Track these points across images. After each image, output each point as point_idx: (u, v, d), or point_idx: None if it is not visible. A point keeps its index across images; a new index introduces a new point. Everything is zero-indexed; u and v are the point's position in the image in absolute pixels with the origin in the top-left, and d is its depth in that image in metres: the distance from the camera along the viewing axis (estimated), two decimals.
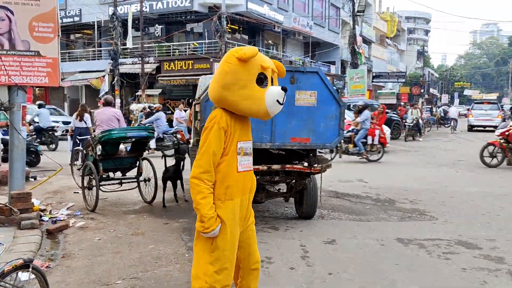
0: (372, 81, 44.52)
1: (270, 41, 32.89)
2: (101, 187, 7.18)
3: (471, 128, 27.62)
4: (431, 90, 63.95)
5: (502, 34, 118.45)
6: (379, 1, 59.74)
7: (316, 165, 5.89)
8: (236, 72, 2.86)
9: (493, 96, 68.08)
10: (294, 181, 6.25)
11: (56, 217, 6.57)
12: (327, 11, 37.09)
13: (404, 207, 7.27)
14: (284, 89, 2.89)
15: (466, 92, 72.82)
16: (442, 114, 34.07)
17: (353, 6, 25.10)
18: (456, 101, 60.90)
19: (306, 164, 5.97)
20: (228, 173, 2.89)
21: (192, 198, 2.86)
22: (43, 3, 6.24)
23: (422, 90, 49.52)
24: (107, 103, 7.98)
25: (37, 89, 31.63)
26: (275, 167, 5.82)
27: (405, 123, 21.97)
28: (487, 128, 25.76)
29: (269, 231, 5.82)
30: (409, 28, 79.53)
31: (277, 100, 2.87)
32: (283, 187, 7.11)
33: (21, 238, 5.50)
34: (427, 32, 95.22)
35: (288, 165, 5.88)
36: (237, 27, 28.91)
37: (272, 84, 2.94)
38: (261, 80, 2.89)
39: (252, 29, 30.30)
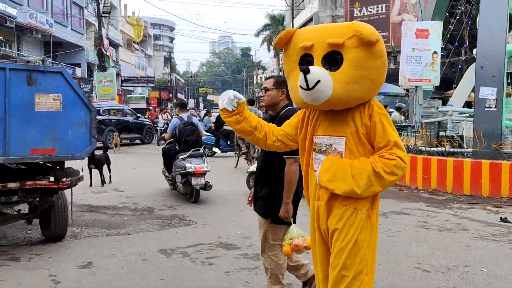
0: (121, 85, 43.75)
1: (1, 38, 28.66)
2: None
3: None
4: (179, 95, 66.98)
5: (236, 45, 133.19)
6: (125, 5, 59.25)
7: (64, 179, 5.14)
8: (283, 63, 2.61)
9: None
10: (38, 199, 5.32)
11: None
12: (69, 10, 34.58)
13: (164, 214, 7.10)
14: (302, 70, 2.30)
15: (209, 97, 78.98)
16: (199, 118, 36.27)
17: (98, 7, 23.97)
18: (201, 105, 65.45)
19: (52, 178, 5.15)
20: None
21: None
22: None
23: (170, 95, 51.32)
24: None
25: None
26: (12, 185, 4.83)
27: (157, 127, 22.22)
28: None
29: (7, 264, 4.77)
30: (155, 35, 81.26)
31: (300, 86, 2.34)
32: (24, 207, 6.03)
33: None
34: (172, 39, 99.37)
35: (29, 182, 4.95)
36: None
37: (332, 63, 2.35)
38: (309, 63, 2.39)
39: None
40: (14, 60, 24.30)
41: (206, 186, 7.92)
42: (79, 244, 5.57)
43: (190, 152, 8.06)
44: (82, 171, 5.35)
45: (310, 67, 2.30)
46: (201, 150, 8.39)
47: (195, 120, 8.88)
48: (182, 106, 9.26)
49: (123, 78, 44.48)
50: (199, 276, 4.42)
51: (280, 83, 3.34)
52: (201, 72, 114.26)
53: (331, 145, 2.46)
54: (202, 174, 7.80)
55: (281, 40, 2.52)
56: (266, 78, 3.49)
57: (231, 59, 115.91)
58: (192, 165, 7.81)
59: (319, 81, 2.28)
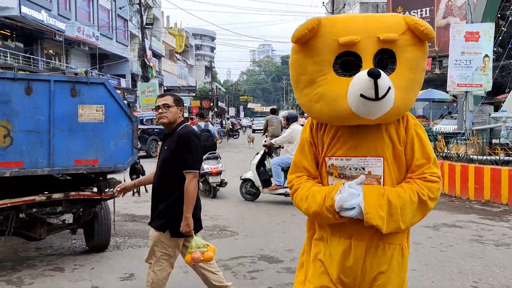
0: None
1: (51, 51, 29.87)
2: None
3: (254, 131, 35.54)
4: (220, 103, 67.70)
5: (275, 53, 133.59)
6: (167, 16, 60.68)
7: (107, 189, 5.13)
8: (298, 63, 2.00)
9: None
10: (82, 209, 5.35)
11: None
12: (114, 22, 35.66)
13: (205, 225, 6.98)
14: (371, 73, 1.76)
15: (250, 105, 79.36)
16: (231, 126, 36.58)
17: (141, 19, 24.56)
18: (242, 113, 65.85)
19: (95, 189, 5.17)
20: None
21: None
22: None
23: (211, 104, 51.85)
24: None
25: None
26: (57, 196, 4.86)
27: None
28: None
29: (52, 275, 4.80)
30: (196, 45, 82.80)
31: (361, 95, 1.81)
32: (69, 217, 6.09)
33: None
34: (212, 49, 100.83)
35: (73, 193, 4.97)
36: (9, 33, 25.37)
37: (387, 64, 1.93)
38: (349, 64, 1.91)
39: (29, 37, 27.00)
40: (62, 72, 25.19)
41: (222, 183, 9.21)
42: (121, 255, 5.56)
43: (206, 155, 9.27)
44: (125, 181, 5.32)
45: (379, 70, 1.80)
46: (216, 153, 9.68)
47: (211, 127, 10.57)
48: (201, 115, 11.02)
49: (165, 88, 45.34)
50: None
51: (179, 100, 3.46)
52: (241, 80, 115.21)
53: (363, 168, 2.02)
54: (218, 173, 9.05)
55: (311, 32, 1.89)
56: (160, 96, 3.52)
57: (271, 67, 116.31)
58: (209, 166, 9.08)
59: (389, 88, 1.82)
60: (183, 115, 3.47)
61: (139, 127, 5.10)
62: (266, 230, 6.65)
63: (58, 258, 5.40)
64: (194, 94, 49.22)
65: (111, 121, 4.99)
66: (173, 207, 3.30)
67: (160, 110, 3.36)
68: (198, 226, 3.43)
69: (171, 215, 3.30)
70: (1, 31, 23.00)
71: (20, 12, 22.96)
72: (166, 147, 3.42)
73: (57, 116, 4.71)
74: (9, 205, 4.58)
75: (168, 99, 3.41)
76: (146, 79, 26.10)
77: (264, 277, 4.63)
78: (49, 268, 4.99)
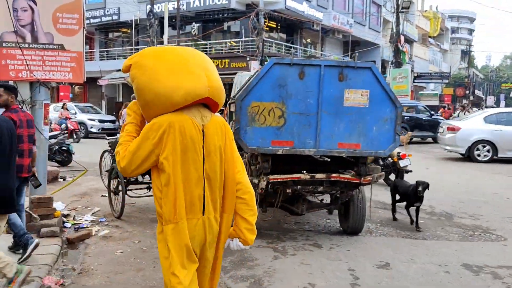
0: (414, 82, 42.81)
1: (308, 40, 31.99)
2: (128, 192, 6.67)
3: None
4: (476, 91, 61.26)
5: None
6: None
7: (366, 175, 5.13)
8: None
9: None
10: (340, 192, 5.50)
11: (80, 223, 6.08)
12: (368, 9, 35.80)
13: (464, 223, 6.39)
14: None
15: None
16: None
17: (397, 2, 23.88)
18: (502, 103, 57.96)
19: (354, 173, 5.23)
20: None
21: None
22: None
23: (467, 92, 47.38)
24: None
25: (76, 87, 31.99)
26: (319, 176, 5.10)
27: None
28: None
29: (311, 249, 5.10)
30: (452, 27, 76.57)
31: None
32: (325, 197, 6.37)
33: (38, 248, 5.02)
34: (471, 31, 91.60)
35: (334, 175, 5.13)
36: (274, 25, 28.20)
37: None
38: None
39: (290, 27, 29.49)
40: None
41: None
42: (374, 241, 5.52)
43: None
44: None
45: None
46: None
47: None
48: None
49: (415, 74, 43.44)
50: None
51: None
52: (504, 65, 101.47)
53: None
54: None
55: None
56: None
57: None
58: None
59: None
60: None
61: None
62: None
63: (316, 235, 5.70)
64: (447, 81, 45.75)
65: (375, 106, 4.93)
66: None
67: None
68: None
69: None
70: (269, 24, 25.67)
71: (285, 5, 25.21)
72: None
73: (325, 99, 4.90)
74: (279, 180, 5.03)
75: None
76: (398, 65, 25.43)
77: None
78: (309, 243, 5.32)
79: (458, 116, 20.42)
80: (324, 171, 5.23)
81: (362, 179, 5.10)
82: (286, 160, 5.37)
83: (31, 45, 5.66)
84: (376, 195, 7.99)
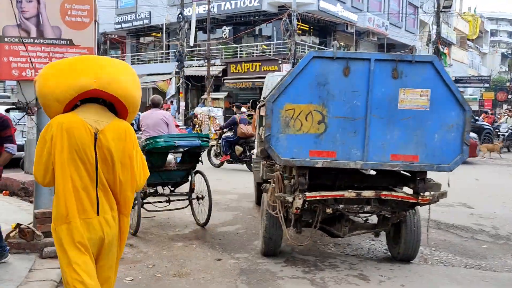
0: None
1: (342, 43, 30.94)
2: (145, 205, 5.96)
3: None
4: None
5: None
6: (460, 0, 55.53)
7: (425, 193, 4.21)
8: None
9: None
10: (391, 212, 4.58)
11: None
12: (405, 10, 34.44)
13: None
14: None
15: None
16: None
17: (438, 1, 22.55)
18: None
19: (410, 190, 4.32)
20: None
21: None
22: None
23: (509, 96, 45.09)
24: (154, 105, 6.66)
25: None
26: (367, 194, 4.22)
27: (498, 133, 19.27)
28: None
29: (357, 283, 4.20)
30: (491, 30, 73.68)
31: None
32: (370, 217, 5.46)
33: (38, 272, 4.34)
34: (511, 34, 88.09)
35: (385, 192, 4.24)
36: (307, 28, 27.34)
37: None
38: None
39: (323, 30, 28.56)
40: None
41: None
42: (433, 272, 4.58)
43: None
44: (449, 186, 4.30)
45: None
46: None
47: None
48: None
49: (454, 78, 41.64)
50: None
51: None
52: None
53: None
54: None
55: None
56: None
57: None
58: None
59: None
60: None
61: None
62: None
63: (360, 262, 4.80)
64: (488, 85, 43.68)
65: (438, 108, 4.02)
66: None
67: None
68: None
69: None
70: (301, 26, 24.84)
71: (318, 7, 24.34)
72: None
73: (375, 101, 4.02)
74: (318, 198, 4.17)
75: None
76: None
77: None
78: (353, 274, 4.42)
79: (506, 121, 19.00)
80: (372, 187, 4.35)
81: (420, 198, 4.19)
82: (324, 171, 4.49)
83: (36, 40, 5.00)
84: (425, 211, 7.01)
